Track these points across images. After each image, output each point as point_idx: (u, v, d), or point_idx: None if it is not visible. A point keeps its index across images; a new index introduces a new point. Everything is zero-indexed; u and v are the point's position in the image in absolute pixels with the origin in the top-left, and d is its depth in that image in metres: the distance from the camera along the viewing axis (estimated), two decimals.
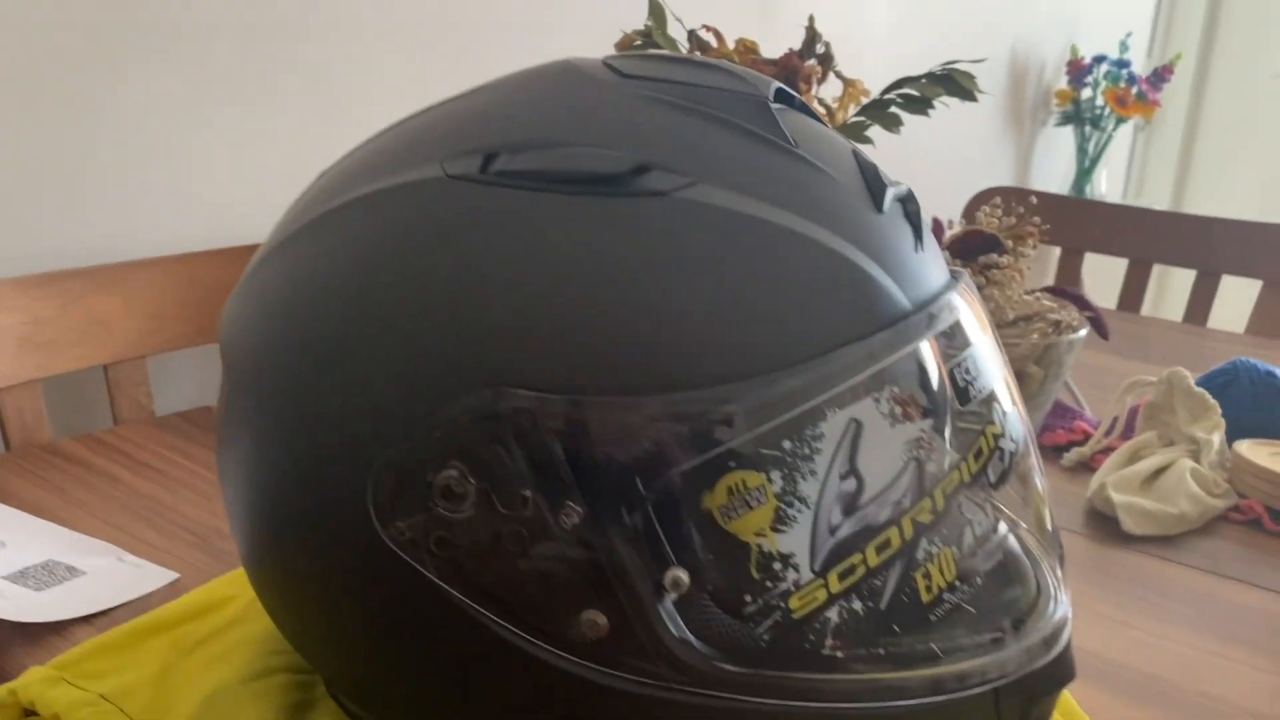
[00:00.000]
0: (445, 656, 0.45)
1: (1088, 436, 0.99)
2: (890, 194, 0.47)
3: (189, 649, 0.60)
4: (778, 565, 0.42)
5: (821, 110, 1.09)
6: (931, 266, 0.48)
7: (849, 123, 1.07)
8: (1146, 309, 1.69)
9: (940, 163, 2.20)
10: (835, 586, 0.42)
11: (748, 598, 0.42)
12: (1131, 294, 1.69)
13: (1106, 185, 2.70)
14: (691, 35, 1.07)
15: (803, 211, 0.44)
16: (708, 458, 0.41)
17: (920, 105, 1.05)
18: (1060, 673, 0.48)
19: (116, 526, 0.76)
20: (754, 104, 0.47)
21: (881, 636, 0.43)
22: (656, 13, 1.08)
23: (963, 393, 0.45)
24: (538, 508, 0.42)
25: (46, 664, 0.57)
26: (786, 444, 0.42)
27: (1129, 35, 2.62)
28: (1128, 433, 0.97)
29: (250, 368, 0.48)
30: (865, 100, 1.07)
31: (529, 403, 0.41)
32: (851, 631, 0.43)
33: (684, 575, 0.42)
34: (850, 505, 0.42)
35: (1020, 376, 0.85)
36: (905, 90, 1.05)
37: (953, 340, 0.46)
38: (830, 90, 1.10)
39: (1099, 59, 2.53)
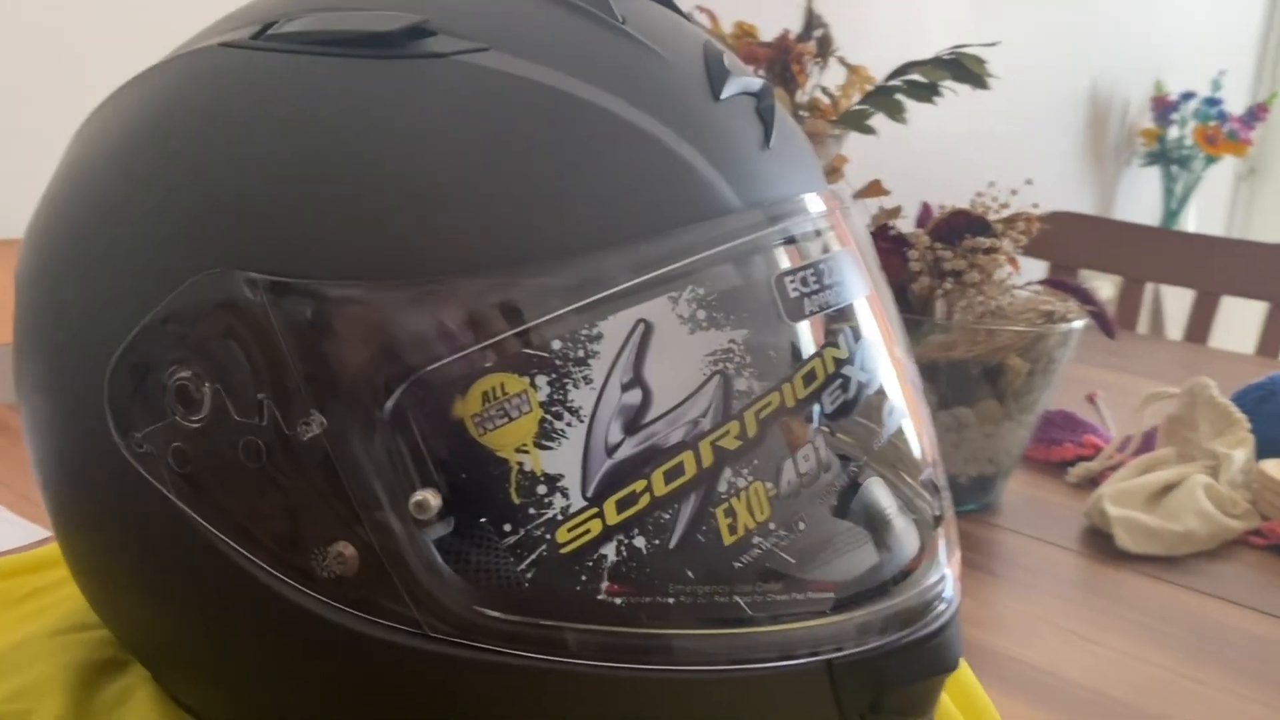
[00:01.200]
0: (199, 597, 0.40)
1: (1098, 451, 0.90)
2: (736, 84, 0.40)
3: (17, 601, 0.55)
4: (542, 488, 0.35)
5: (825, 100, 1.03)
6: (788, 170, 0.41)
7: (851, 110, 1.01)
8: (1214, 341, 1.56)
9: (1016, 203, 2.11)
10: (612, 517, 0.36)
11: (507, 527, 0.35)
12: (1198, 326, 1.57)
13: (1196, 228, 2.56)
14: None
15: (610, 86, 0.38)
16: (457, 357, 0.35)
17: (925, 92, 0.97)
18: (931, 660, 0.40)
19: (6, 485, 0.72)
20: None
21: (673, 583, 0.36)
22: None
23: (793, 305, 0.38)
24: (274, 415, 0.36)
25: None
26: (556, 344, 0.35)
27: (1223, 74, 2.49)
28: (1146, 451, 0.87)
29: (20, 272, 0.44)
30: (870, 88, 1.01)
31: (260, 288, 0.36)
32: (635, 575, 0.36)
33: (432, 498, 0.35)
34: (633, 422, 0.36)
35: (999, 369, 0.77)
36: (910, 76, 0.98)
37: (801, 252, 0.39)
38: (835, 79, 1.03)
39: (1186, 96, 2.41)
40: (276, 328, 0.35)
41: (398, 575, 0.36)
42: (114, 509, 0.41)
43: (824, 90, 1.03)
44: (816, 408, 0.38)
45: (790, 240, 0.39)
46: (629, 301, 0.36)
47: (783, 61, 0.97)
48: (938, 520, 0.42)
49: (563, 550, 0.35)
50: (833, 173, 0.91)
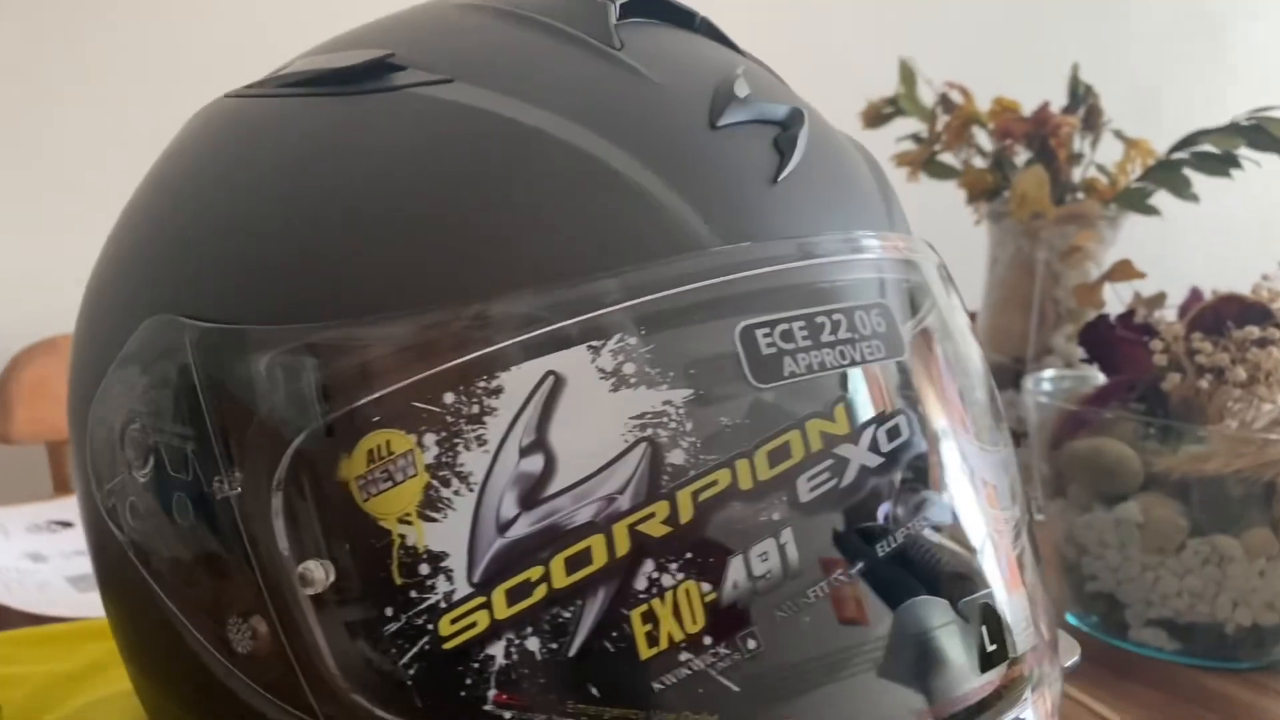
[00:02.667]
0: (163, 661, 0.38)
1: None
2: (743, 111, 0.34)
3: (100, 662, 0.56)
4: (425, 568, 0.30)
5: (1103, 179, 0.90)
6: (810, 206, 0.34)
7: (1129, 188, 0.87)
8: None
9: None
10: (501, 610, 0.29)
11: (389, 611, 0.30)
12: None
13: None
14: (942, 99, 0.94)
15: (575, 115, 0.32)
16: (347, 409, 0.30)
17: (1219, 165, 0.83)
18: None
19: None
20: (589, 6, 0.36)
21: (573, 701, 0.29)
22: (906, 77, 0.96)
23: (765, 363, 0.30)
24: (197, 471, 0.33)
25: None
26: (449, 397, 0.30)
27: None
28: None
29: None
30: (1152, 163, 0.87)
31: (189, 334, 0.33)
32: (526, 684, 0.29)
33: (319, 570, 0.31)
34: (531, 494, 0.29)
35: (1272, 490, 0.61)
36: (1200, 147, 0.84)
37: (799, 298, 0.32)
38: (1111, 154, 0.90)
39: None
40: (197, 376, 0.33)
41: (295, 657, 0.31)
42: (100, 566, 0.40)
43: (1099, 168, 0.91)
44: (785, 495, 0.30)
45: (801, 293, 0.32)
46: (538, 350, 0.30)
47: (1040, 136, 0.87)
48: (989, 659, 0.32)
49: (445, 645, 0.29)
50: (1074, 251, 0.78)
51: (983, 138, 0.93)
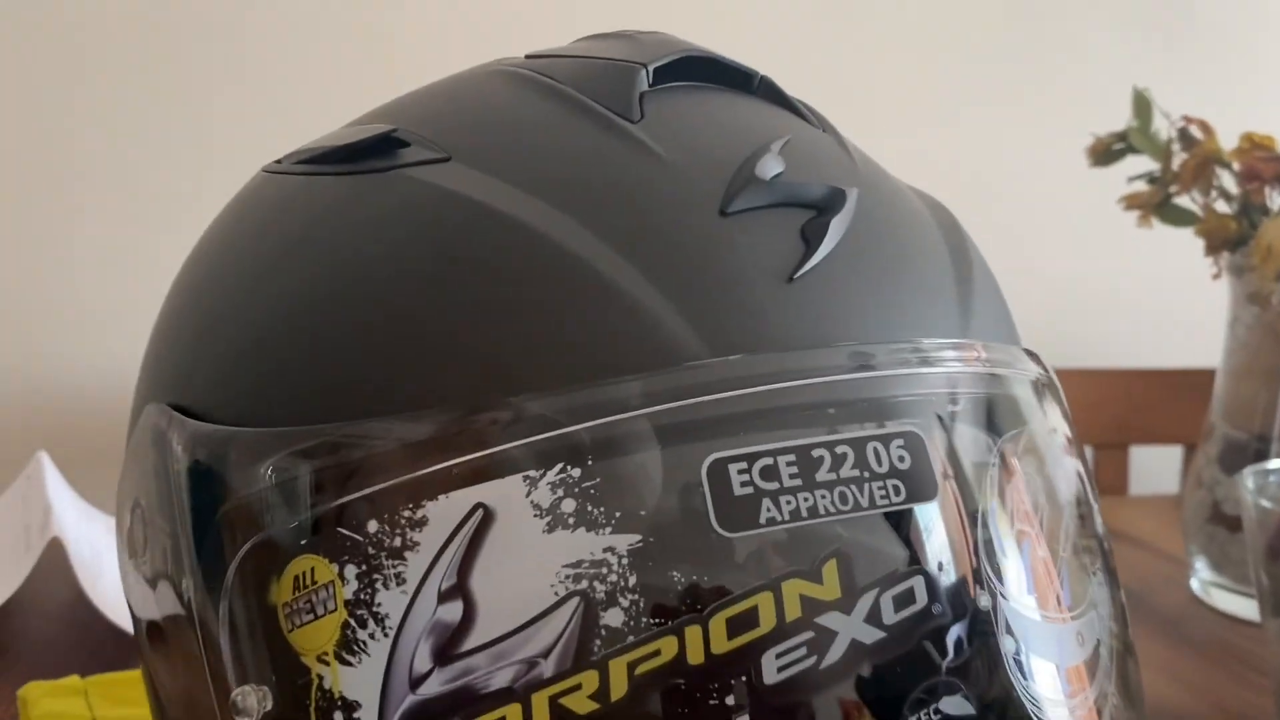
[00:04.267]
0: None
1: None
2: (765, 193, 0.29)
3: None
4: (339, 715, 0.26)
5: None
6: (842, 307, 0.28)
7: None
8: None
9: None
10: None
11: None
12: None
13: None
14: (1180, 134, 0.82)
15: (563, 203, 0.28)
16: (282, 529, 0.28)
17: None
18: None
19: None
20: (619, 73, 0.32)
21: None
22: (1141, 109, 0.85)
23: (738, 507, 0.25)
24: (174, 566, 0.31)
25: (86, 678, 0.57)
26: (373, 525, 0.26)
27: None
28: None
29: None
30: None
31: (171, 423, 0.32)
32: None
33: (254, 698, 0.28)
34: (447, 647, 0.25)
35: None
36: None
37: (804, 419, 0.26)
38: None
39: None
40: (169, 469, 0.31)
41: None
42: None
43: None
44: (746, 675, 0.25)
45: (787, 405, 0.26)
46: (467, 478, 0.26)
47: None
48: None
49: None
50: None
51: (1227, 179, 0.81)
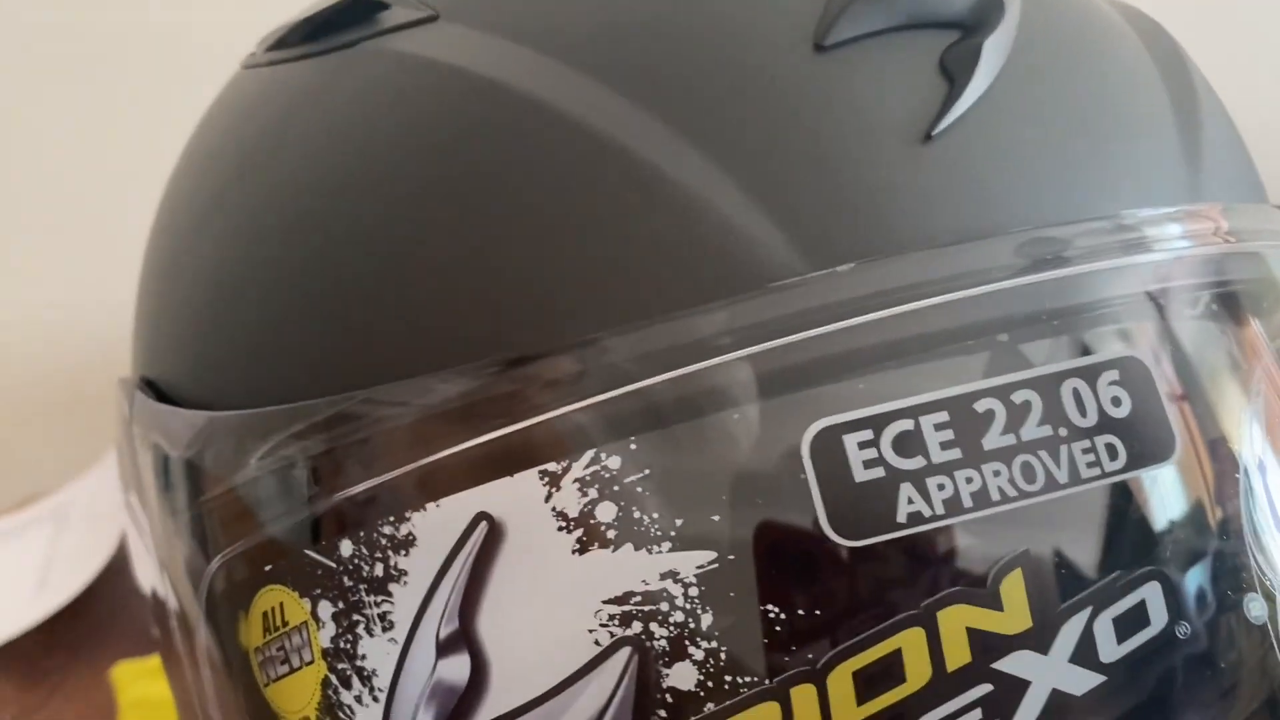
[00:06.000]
0: None
1: None
2: (872, 15, 0.19)
3: None
4: None
5: None
6: (1018, 174, 0.19)
7: None
8: None
9: None
10: None
11: None
12: None
13: None
14: None
15: (587, 61, 0.20)
16: (240, 547, 0.20)
17: None
18: None
19: None
20: None
21: None
22: None
23: (857, 501, 0.16)
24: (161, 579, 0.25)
25: None
26: (346, 547, 0.19)
27: None
28: None
29: None
30: None
31: (127, 409, 0.25)
32: None
33: None
34: (453, 715, 0.18)
35: None
36: None
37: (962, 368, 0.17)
38: None
39: None
40: (136, 463, 0.24)
41: None
42: None
43: None
44: None
45: (937, 330, 0.17)
46: (466, 476, 0.18)
47: None
48: None
49: None
50: None
51: None
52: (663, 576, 0.17)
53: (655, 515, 0.17)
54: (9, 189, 0.71)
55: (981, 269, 0.18)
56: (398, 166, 0.20)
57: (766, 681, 0.16)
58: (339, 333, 0.20)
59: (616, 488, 0.17)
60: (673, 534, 0.17)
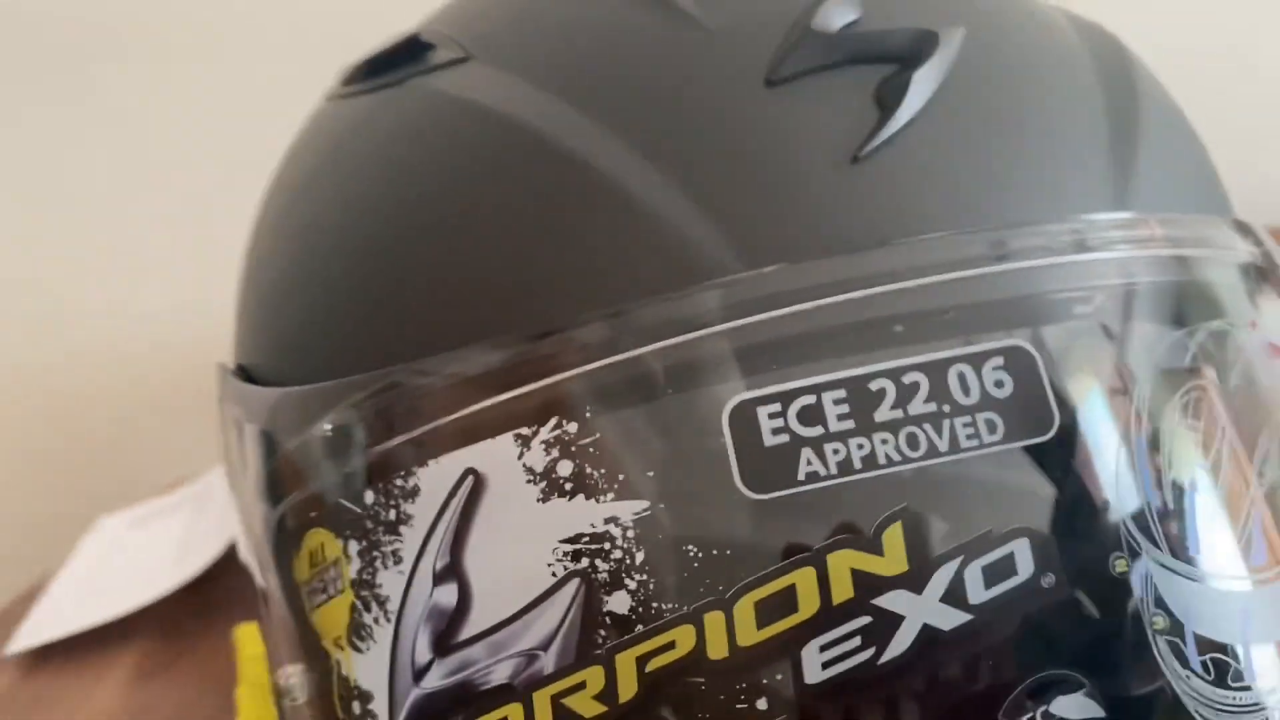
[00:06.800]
0: None
1: None
2: (815, 53, 0.23)
3: None
4: (357, 706, 0.23)
5: None
6: (941, 186, 0.22)
7: None
8: None
9: None
10: None
11: None
12: None
13: None
14: None
15: (585, 101, 0.23)
16: (296, 502, 0.25)
17: None
18: None
19: None
20: None
21: None
22: None
23: (768, 461, 0.20)
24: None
25: None
26: (369, 496, 0.23)
27: None
28: None
29: None
30: None
31: (221, 390, 0.30)
32: None
33: (297, 680, 0.26)
34: (445, 636, 0.22)
35: None
36: None
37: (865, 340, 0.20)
38: None
39: None
40: (228, 439, 0.29)
41: None
42: None
43: None
44: (782, 673, 0.19)
45: (842, 324, 0.21)
46: (459, 438, 0.22)
47: None
48: None
49: None
50: None
51: None
52: (606, 521, 0.20)
53: (603, 471, 0.21)
54: (174, 196, 0.79)
55: (886, 271, 0.21)
56: (416, 190, 0.24)
57: (684, 608, 0.20)
58: (370, 323, 0.24)
59: (574, 448, 0.21)
60: (616, 486, 0.20)
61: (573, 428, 0.21)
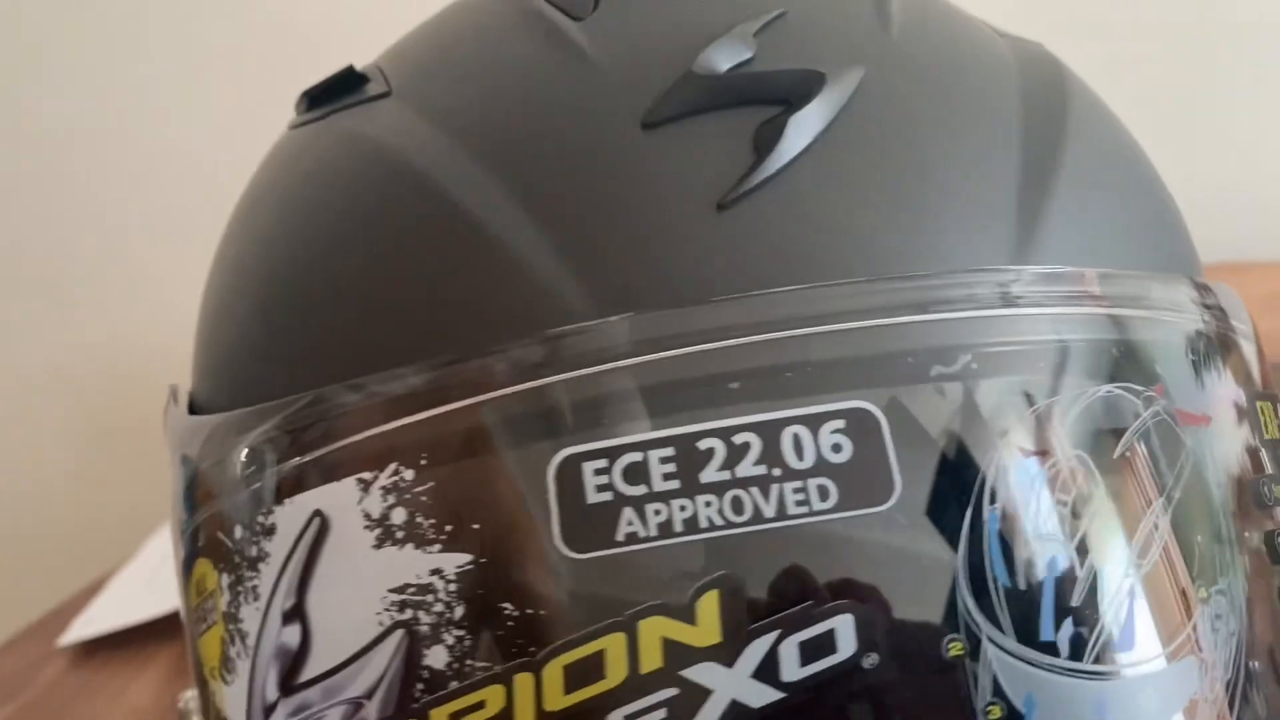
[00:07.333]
0: None
1: None
2: (693, 96, 0.22)
3: None
4: None
5: None
6: (813, 237, 0.21)
7: None
8: None
9: None
10: None
11: None
12: None
13: None
14: None
15: (471, 140, 0.23)
16: (191, 525, 0.25)
17: None
18: None
19: None
20: None
21: None
22: None
23: (588, 520, 0.19)
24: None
25: None
26: (238, 531, 0.23)
27: None
28: None
29: None
30: None
31: (164, 416, 0.31)
32: None
33: (193, 702, 0.26)
34: (289, 676, 0.22)
35: None
36: None
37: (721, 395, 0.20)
38: None
39: None
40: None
41: None
42: None
43: None
44: None
45: (678, 380, 0.20)
46: (310, 478, 0.22)
47: None
48: None
49: None
50: None
51: None
52: (431, 573, 0.20)
53: (433, 521, 0.20)
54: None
55: (726, 325, 0.20)
56: (311, 228, 0.24)
57: (496, 668, 0.19)
58: (264, 359, 0.24)
59: (408, 496, 0.20)
60: (443, 537, 0.20)
61: (409, 475, 0.21)
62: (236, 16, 0.85)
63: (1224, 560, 0.21)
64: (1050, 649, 0.19)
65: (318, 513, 0.21)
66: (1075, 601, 0.19)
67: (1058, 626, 0.19)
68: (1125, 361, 0.21)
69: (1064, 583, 0.19)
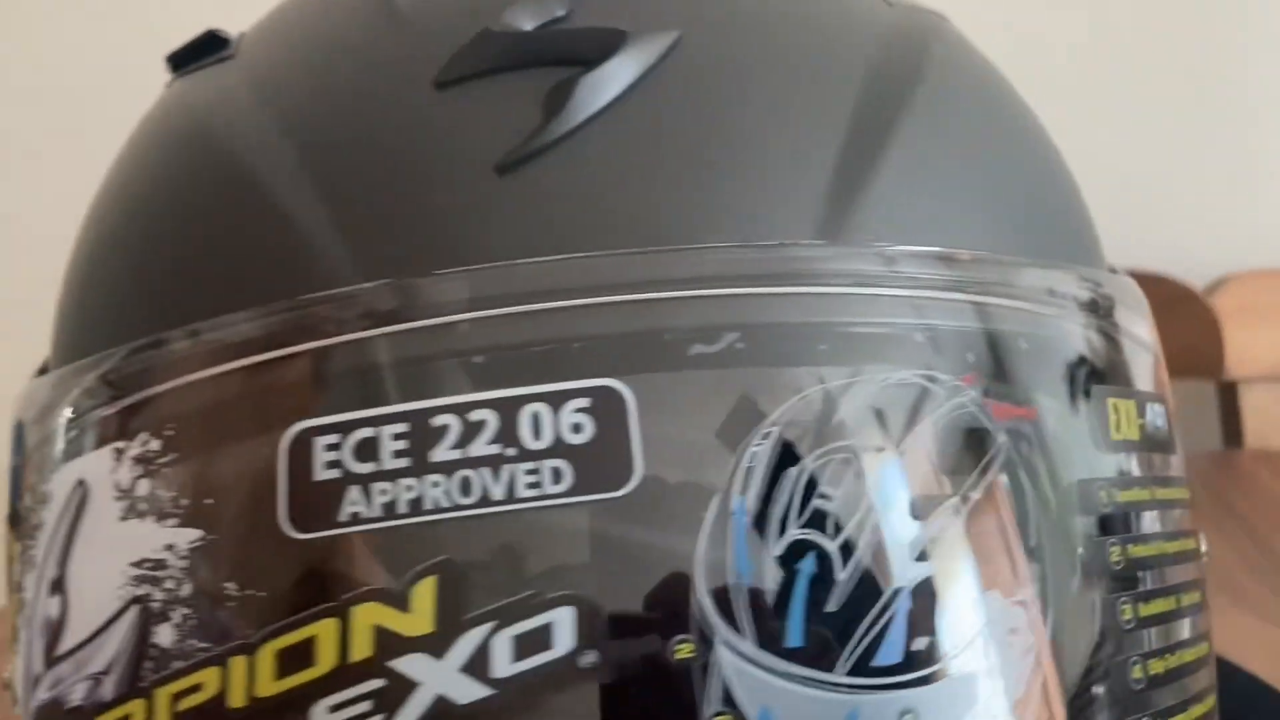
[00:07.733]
0: None
1: None
2: (489, 55, 0.21)
3: None
4: (18, 709, 0.23)
5: None
6: (597, 204, 0.20)
7: None
8: None
9: None
10: None
11: None
12: None
13: None
14: None
15: (272, 104, 0.23)
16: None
17: None
18: None
19: None
20: None
21: None
22: None
23: (314, 497, 0.18)
24: None
25: None
26: (28, 498, 0.23)
27: None
28: None
29: None
30: None
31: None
32: None
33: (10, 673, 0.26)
34: (49, 647, 0.21)
35: None
36: None
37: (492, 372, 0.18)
38: None
39: None
40: None
41: None
42: None
43: None
44: None
45: (427, 354, 0.19)
46: (78, 448, 0.21)
47: None
48: None
49: None
50: None
51: None
52: (166, 548, 0.19)
53: (172, 494, 0.19)
54: None
55: (476, 297, 0.19)
56: (131, 187, 0.24)
57: (215, 649, 0.18)
58: (75, 319, 0.24)
59: (153, 467, 0.20)
60: (179, 512, 0.19)
61: (156, 445, 0.20)
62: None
63: (1032, 570, 0.19)
64: (797, 656, 0.17)
65: (81, 482, 0.21)
66: (832, 607, 0.18)
67: (807, 633, 0.17)
68: (928, 348, 0.19)
69: (819, 585, 0.18)
